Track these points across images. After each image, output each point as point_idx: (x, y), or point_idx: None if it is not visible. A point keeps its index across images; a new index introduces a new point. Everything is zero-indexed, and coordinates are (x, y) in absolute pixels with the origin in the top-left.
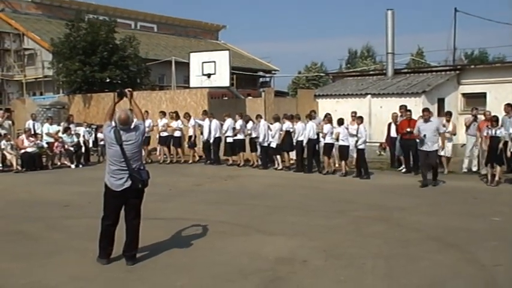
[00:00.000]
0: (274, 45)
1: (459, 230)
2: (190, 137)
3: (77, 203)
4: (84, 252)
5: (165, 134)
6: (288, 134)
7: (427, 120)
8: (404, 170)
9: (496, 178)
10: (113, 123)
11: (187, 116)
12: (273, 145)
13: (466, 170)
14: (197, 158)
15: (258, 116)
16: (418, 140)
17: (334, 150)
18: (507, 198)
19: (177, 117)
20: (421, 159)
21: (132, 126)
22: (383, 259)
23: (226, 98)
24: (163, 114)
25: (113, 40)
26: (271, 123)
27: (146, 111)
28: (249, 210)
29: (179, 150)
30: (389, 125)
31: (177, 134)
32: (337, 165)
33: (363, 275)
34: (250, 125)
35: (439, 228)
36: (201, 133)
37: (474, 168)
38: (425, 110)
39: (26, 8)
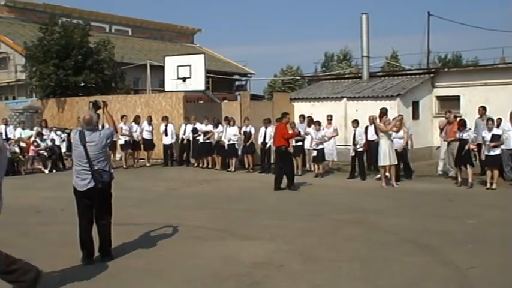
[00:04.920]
0: (250, 49)
1: (434, 232)
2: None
3: (49, 209)
4: (59, 258)
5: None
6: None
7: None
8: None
9: (470, 180)
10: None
11: (166, 119)
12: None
13: (441, 173)
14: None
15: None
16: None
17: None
18: (481, 200)
19: (150, 121)
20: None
21: (99, 129)
22: (359, 262)
23: (202, 102)
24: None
25: (87, 44)
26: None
27: (124, 115)
28: (225, 214)
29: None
30: (367, 128)
31: (148, 136)
32: (311, 167)
33: (340, 279)
34: (220, 128)
35: (414, 230)
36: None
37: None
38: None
39: None
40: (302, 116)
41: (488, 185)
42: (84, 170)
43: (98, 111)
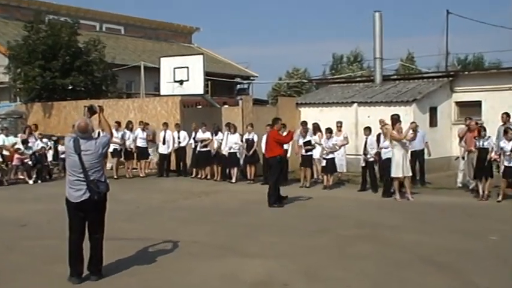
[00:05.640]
0: (253, 50)
1: (453, 249)
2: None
3: (35, 222)
4: (47, 275)
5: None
6: None
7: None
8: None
9: (486, 192)
10: (74, 134)
11: (165, 125)
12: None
13: (460, 185)
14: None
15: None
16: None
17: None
18: (504, 215)
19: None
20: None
21: (95, 137)
22: (370, 282)
23: (200, 107)
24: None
25: (75, 43)
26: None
27: (116, 122)
28: (224, 229)
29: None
30: (379, 136)
31: (142, 144)
32: (319, 177)
33: None
34: (220, 136)
35: (431, 247)
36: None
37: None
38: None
39: None
40: (304, 123)
41: (500, 197)
42: (79, 181)
43: (93, 117)
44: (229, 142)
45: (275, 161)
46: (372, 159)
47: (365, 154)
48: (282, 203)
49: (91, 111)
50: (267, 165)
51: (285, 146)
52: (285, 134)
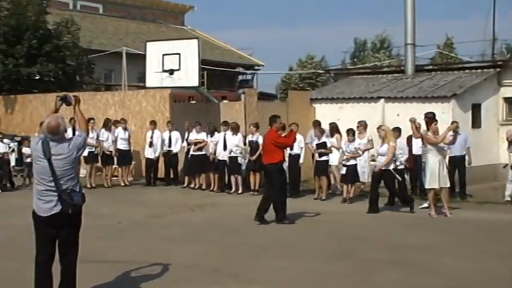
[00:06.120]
0: (258, 33)
1: (502, 276)
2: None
3: None
4: None
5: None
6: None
7: None
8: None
9: None
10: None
11: (153, 124)
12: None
13: (509, 199)
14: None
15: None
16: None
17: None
18: None
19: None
20: None
21: (68, 137)
22: None
23: (194, 102)
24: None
25: (44, 24)
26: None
27: (92, 119)
28: (222, 250)
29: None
30: (410, 138)
31: (124, 147)
32: (338, 188)
33: None
34: (216, 136)
35: (475, 274)
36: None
37: None
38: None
39: None
40: (317, 123)
41: None
42: (49, 191)
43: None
44: (230, 145)
45: (275, 169)
46: (401, 166)
47: (394, 161)
48: (286, 219)
49: (65, 102)
50: (265, 174)
51: (295, 150)
52: (283, 134)
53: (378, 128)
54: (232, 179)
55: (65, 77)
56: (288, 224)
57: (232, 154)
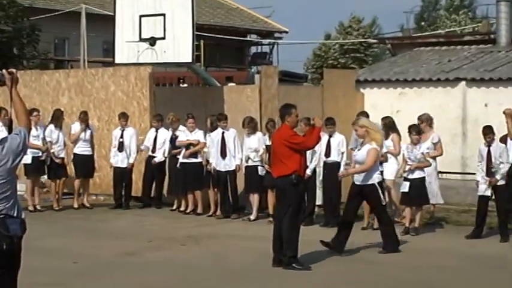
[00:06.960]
0: None
1: None
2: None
3: None
4: None
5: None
6: None
7: None
8: None
9: None
10: None
11: (123, 118)
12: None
13: None
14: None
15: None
16: None
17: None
18: None
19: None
20: None
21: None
22: None
23: (185, 86)
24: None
25: None
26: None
27: (36, 110)
28: None
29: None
30: (505, 138)
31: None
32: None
33: None
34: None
35: None
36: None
37: None
38: None
39: None
40: (364, 114)
41: None
42: None
43: None
44: (247, 148)
45: (288, 184)
46: (502, 181)
47: (489, 174)
48: (296, 260)
49: None
50: (279, 191)
51: (333, 156)
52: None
53: (353, 124)
54: (251, 197)
55: None
56: (301, 270)
57: (250, 163)
